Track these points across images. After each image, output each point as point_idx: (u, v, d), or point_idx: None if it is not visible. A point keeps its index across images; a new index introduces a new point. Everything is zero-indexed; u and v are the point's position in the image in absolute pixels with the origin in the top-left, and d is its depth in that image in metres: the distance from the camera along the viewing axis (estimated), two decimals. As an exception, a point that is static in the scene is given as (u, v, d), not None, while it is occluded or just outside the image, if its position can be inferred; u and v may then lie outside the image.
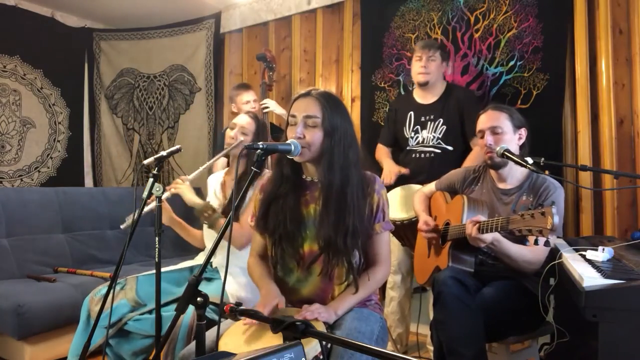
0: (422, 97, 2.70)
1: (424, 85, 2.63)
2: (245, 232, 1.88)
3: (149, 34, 4.39)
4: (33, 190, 3.39)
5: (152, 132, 4.41)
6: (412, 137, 2.69)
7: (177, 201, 2.10)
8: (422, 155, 2.65)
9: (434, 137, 2.61)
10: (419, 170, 2.63)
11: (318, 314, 1.37)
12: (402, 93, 3.13)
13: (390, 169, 2.65)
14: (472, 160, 2.48)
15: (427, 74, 2.60)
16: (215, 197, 2.13)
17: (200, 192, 2.26)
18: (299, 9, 3.68)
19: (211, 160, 2.10)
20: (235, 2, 3.99)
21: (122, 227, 1.99)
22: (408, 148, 2.70)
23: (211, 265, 2.01)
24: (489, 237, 1.69)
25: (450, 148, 2.59)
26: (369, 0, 3.35)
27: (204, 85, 4.20)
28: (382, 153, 2.84)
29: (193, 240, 2.18)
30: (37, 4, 4.01)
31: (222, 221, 1.94)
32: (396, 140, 2.80)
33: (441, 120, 2.60)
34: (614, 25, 2.45)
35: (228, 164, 2.29)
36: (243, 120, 2.13)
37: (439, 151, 2.60)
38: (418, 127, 2.67)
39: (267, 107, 3.20)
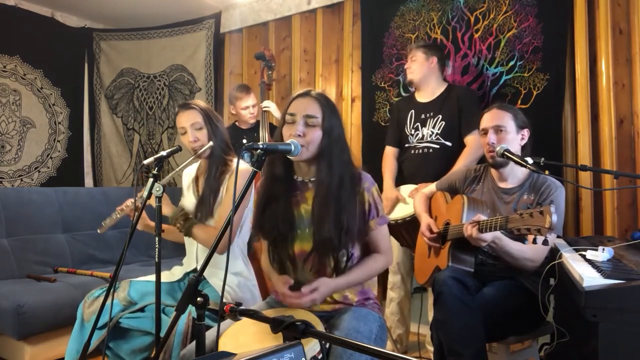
0: (422, 96, 2.74)
1: (412, 83, 2.73)
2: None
3: (149, 34, 4.39)
4: (33, 190, 3.39)
5: (152, 132, 4.41)
6: (412, 135, 2.71)
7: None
8: (421, 151, 2.67)
9: (432, 132, 2.64)
10: (417, 165, 2.66)
11: (312, 300, 1.43)
12: (403, 93, 3.14)
13: (388, 197, 2.64)
14: (466, 156, 2.50)
15: (410, 73, 2.69)
16: (191, 193, 2.08)
17: (180, 192, 2.20)
18: (299, 9, 3.68)
19: (181, 166, 2.00)
20: (235, 2, 3.99)
21: (98, 231, 2.03)
22: (407, 145, 2.73)
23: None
24: (489, 236, 1.69)
25: (448, 144, 2.60)
26: (369, 0, 3.35)
27: (204, 85, 4.20)
28: (387, 166, 2.80)
29: (176, 239, 2.10)
30: (37, 4, 4.01)
31: (197, 228, 1.88)
32: (401, 140, 2.81)
33: (440, 116, 2.62)
34: (614, 25, 2.45)
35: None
36: (187, 118, 1.97)
37: (437, 146, 2.62)
38: (418, 124, 2.69)
39: (267, 108, 3.19)
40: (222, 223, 1.82)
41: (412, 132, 2.71)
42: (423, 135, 2.66)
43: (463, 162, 2.47)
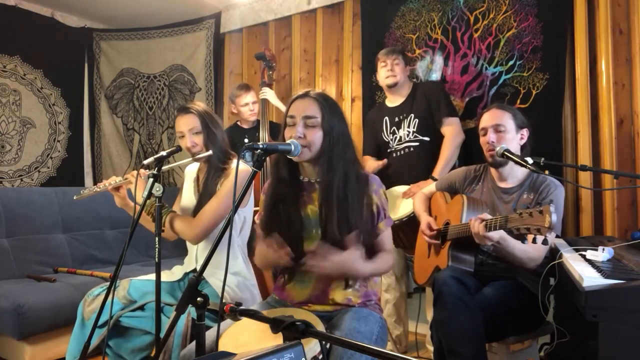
0: (392, 101, 2.81)
1: (392, 86, 2.74)
2: (199, 224, 1.85)
3: (149, 34, 4.39)
4: (33, 190, 3.39)
5: (152, 132, 4.41)
6: (391, 140, 2.76)
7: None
8: (402, 152, 2.72)
9: (409, 132, 2.70)
10: (402, 167, 2.70)
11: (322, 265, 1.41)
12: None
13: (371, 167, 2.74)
14: (448, 146, 2.56)
15: (394, 76, 2.72)
16: (192, 192, 2.09)
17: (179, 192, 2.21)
18: (299, 9, 3.68)
19: (179, 162, 1.98)
20: (235, 2, 3.99)
21: (75, 197, 2.00)
22: (388, 150, 2.77)
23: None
24: (495, 235, 1.68)
25: (426, 139, 2.67)
26: (369, 0, 3.35)
27: (204, 85, 4.20)
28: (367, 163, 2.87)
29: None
30: (37, 4, 4.01)
31: (170, 217, 1.90)
32: (379, 149, 2.86)
33: (412, 115, 2.69)
34: (614, 25, 2.45)
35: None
36: (185, 123, 1.97)
37: (417, 144, 2.68)
38: (394, 128, 2.76)
39: (264, 95, 3.19)
40: (204, 214, 1.85)
41: (391, 136, 2.77)
42: (401, 137, 2.72)
43: (447, 152, 2.54)
